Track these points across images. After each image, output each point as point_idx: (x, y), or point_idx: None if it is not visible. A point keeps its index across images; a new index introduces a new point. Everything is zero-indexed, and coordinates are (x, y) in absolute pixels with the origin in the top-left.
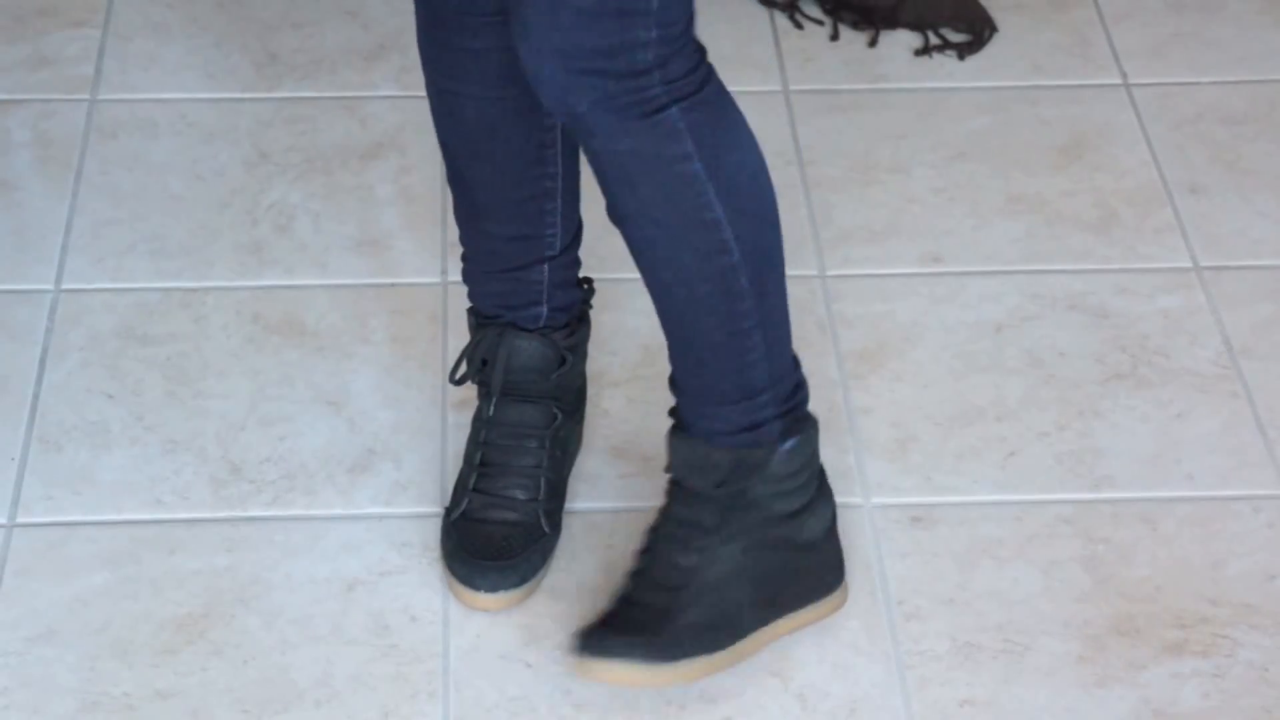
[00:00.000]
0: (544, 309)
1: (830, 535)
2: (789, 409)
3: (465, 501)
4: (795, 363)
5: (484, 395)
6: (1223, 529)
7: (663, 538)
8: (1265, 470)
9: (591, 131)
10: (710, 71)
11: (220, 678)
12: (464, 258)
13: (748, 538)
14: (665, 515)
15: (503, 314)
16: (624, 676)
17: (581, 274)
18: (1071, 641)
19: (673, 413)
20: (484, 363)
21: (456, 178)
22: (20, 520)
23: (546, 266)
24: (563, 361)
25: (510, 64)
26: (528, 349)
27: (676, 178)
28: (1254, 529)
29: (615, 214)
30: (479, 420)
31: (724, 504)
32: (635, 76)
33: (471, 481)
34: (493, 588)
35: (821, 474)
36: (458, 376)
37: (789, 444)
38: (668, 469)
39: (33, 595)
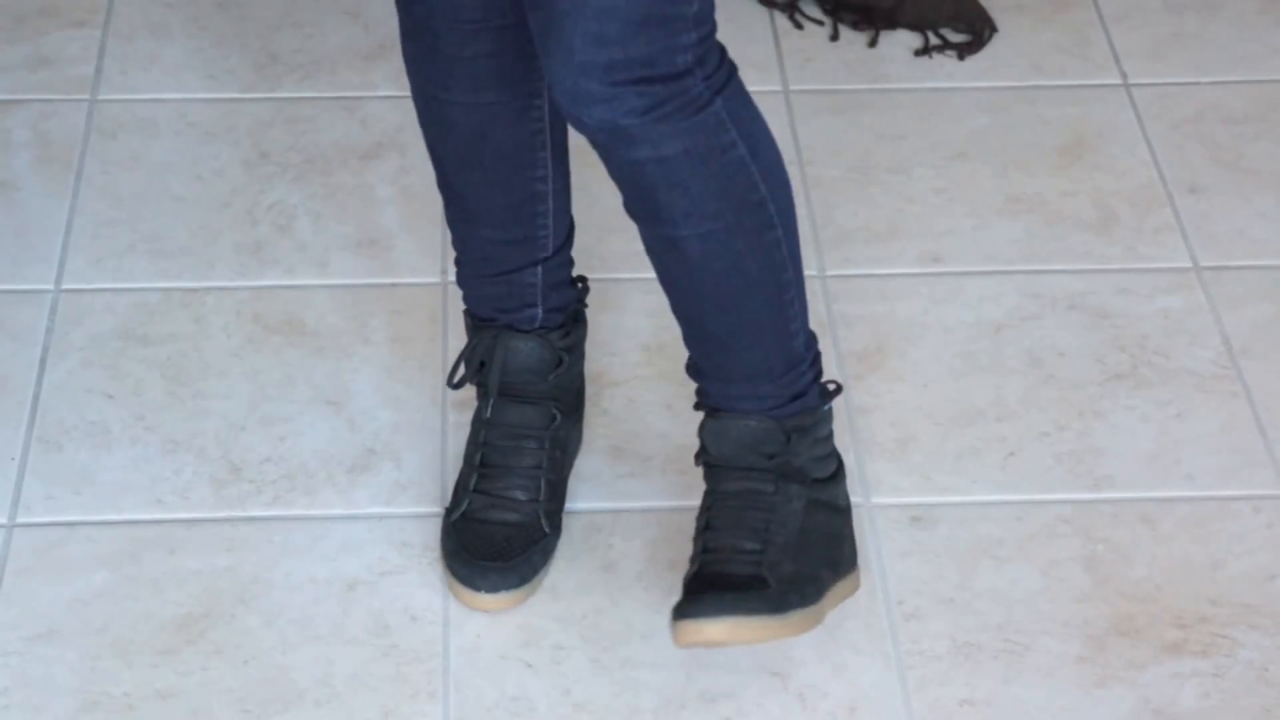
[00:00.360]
0: (539, 310)
1: (849, 504)
2: (819, 369)
3: (466, 502)
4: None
5: (482, 396)
6: (1222, 529)
7: (725, 512)
8: (1265, 470)
9: (636, 142)
10: (729, 56)
11: (220, 678)
12: (457, 261)
13: (802, 499)
14: (720, 494)
15: (498, 317)
16: (731, 633)
17: (576, 273)
18: (1071, 641)
19: (705, 402)
20: (481, 364)
21: (446, 184)
22: (20, 520)
23: (540, 268)
24: (560, 362)
25: (497, 69)
26: (524, 350)
27: (727, 167)
28: (1254, 529)
29: (659, 219)
30: (478, 421)
31: (776, 472)
32: (679, 79)
33: (472, 482)
34: (493, 588)
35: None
36: (455, 380)
37: (827, 405)
38: (706, 458)
39: (33, 595)
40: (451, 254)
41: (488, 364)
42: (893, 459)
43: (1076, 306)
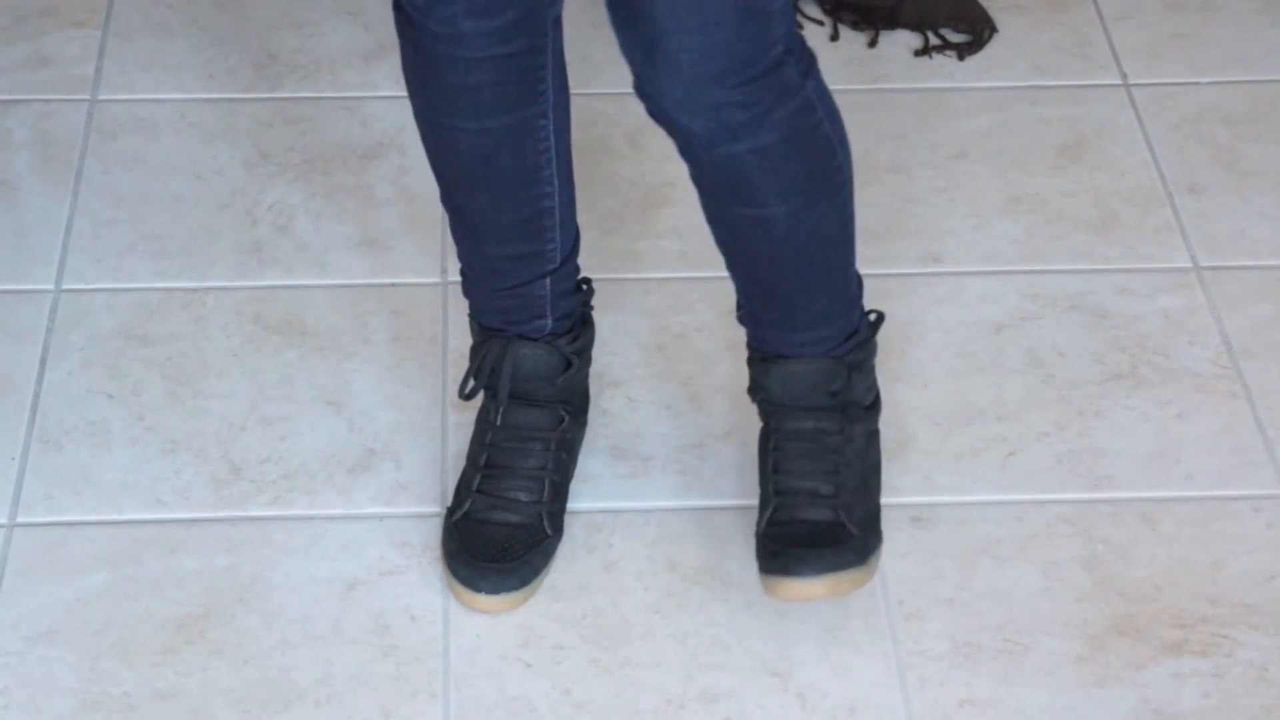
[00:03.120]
0: (549, 320)
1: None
2: (863, 302)
3: (468, 502)
4: None
5: (491, 398)
6: (1223, 529)
7: (794, 453)
8: (1265, 470)
9: (739, 137)
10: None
11: (220, 678)
12: (463, 273)
13: (863, 436)
14: (785, 433)
15: (508, 328)
16: (832, 589)
17: (579, 275)
18: (1071, 641)
19: (762, 350)
20: (491, 371)
21: (453, 203)
22: (20, 520)
23: (549, 280)
24: (569, 365)
25: (502, 96)
26: (533, 357)
27: (815, 145)
28: (1254, 529)
29: (749, 202)
30: (485, 423)
31: (839, 410)
32: (777, 69)
33: (475, 482)
34: (494, 589)
35: None
36: (467, 391)
37: (869, 330)
38: (764, 395)
39: (33, 595)
40: (452, 253)
41: (497, 372)
42: (893, 459)
43: (1076, 306)
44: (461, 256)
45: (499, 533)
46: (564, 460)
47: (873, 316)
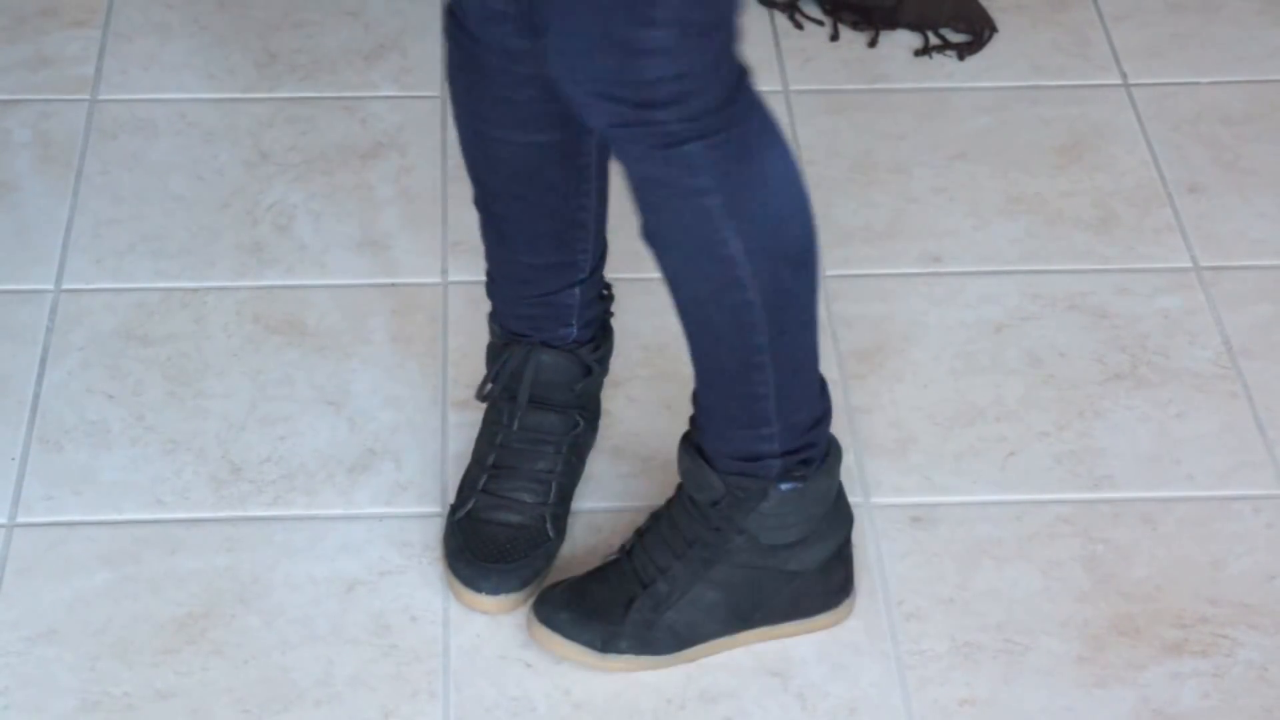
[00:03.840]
0: (574, 329)
1: (831, 563)
2: (793, 452)
3: (472, 501)
4: (815, 419)
5: (507, 401)
6: (1223, 529)
7: (651, 532)
8: (1265, 470)
9: (618, 150)
10: (747, 108)
11: (220, 678)
12: (490, 275)
13: (730, 561)
14: (664, 514)
15: (532, 334)
16: (563, 652)
17: None
18: (1071, 641)
19: (691, 421)
20: (511, 375)
21: (487, 209)
22: (20, 520)
23: (578, 290)
24: (588, 372)
25: (552, 112)
26: (554, 364)
27: (692, 210)
28: (1254, 529)
29: (641, 231)
30: (495, 424)
31: (715, 524)
32: (649, 109)
33: (481, 482)
34: (495, 590)
35: (836, 504)
36: (485, 393)
37: (786, 486)
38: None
39: (33, 595)
40: (452, 254)
41: (517, 377)
42: (893, 459)
43: (1076, 306)
44: (490, 260)
45: (501, 533)
46: (573, 464)
47: (785, 486)
